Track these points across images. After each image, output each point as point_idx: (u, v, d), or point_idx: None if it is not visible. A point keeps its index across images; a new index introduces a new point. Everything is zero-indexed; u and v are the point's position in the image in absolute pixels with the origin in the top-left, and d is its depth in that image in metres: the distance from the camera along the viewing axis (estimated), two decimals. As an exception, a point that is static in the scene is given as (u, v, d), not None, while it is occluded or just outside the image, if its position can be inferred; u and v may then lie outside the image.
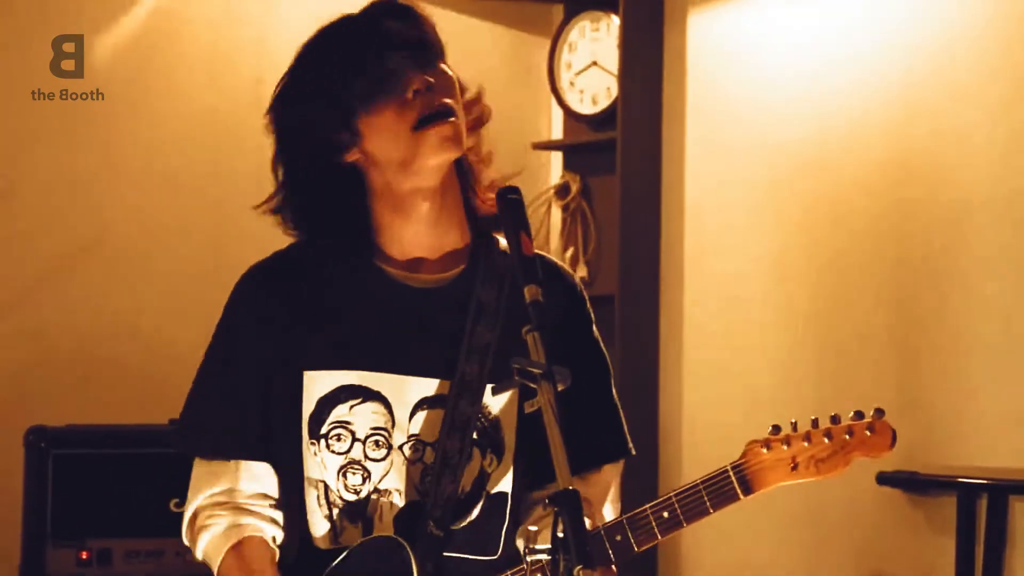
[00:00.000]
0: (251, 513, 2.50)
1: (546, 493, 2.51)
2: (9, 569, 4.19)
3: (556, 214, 5.29)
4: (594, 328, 2.60)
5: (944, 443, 4.15)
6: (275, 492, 2.51)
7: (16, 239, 4.89)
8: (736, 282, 4.77)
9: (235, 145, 5.11)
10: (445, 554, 2.43)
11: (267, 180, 5.71)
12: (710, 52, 4.90)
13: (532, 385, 2.16)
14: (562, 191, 5.26)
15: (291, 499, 2.49)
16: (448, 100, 2.43)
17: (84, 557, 4.11)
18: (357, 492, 2.46)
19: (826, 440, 2.32)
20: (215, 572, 2.50)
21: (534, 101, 5.42)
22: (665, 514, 2.35)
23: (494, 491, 2.49)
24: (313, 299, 2.49)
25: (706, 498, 2.34)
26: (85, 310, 4.92)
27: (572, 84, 5.22)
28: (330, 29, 2.52)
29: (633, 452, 2.61)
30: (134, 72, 4.98)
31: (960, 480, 4.09)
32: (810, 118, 4.56)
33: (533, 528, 2.25)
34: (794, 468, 2.33)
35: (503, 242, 2.54)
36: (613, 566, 2.38)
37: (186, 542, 2.56)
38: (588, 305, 2.60)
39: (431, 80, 2.43)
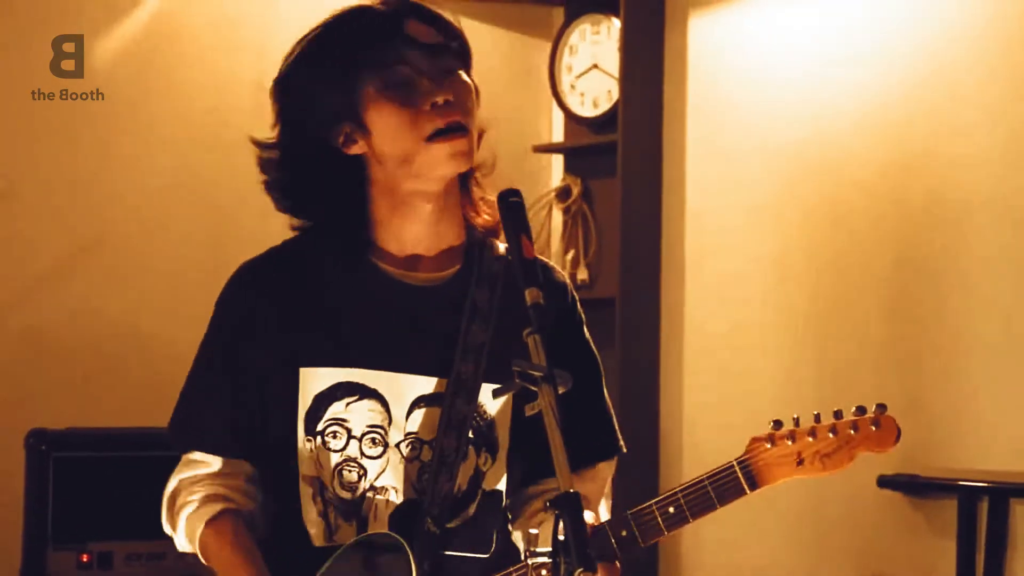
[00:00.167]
0: (228, 488, 2.50)
1: (541, 488, 2.52)
2: (10, 572, 4.18)
3: (557, 217, 5.29)
4: (585, 329, 2.60)
5: (945, 445, 4.14)
6: (252, 479, 2.51)
7: (16, 240, 4.88)
8: (736, 284, 4.77)
9: (236, 147, 5.09)
10: (448, 553, 2.43)
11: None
12: (711, 54, 4.90)
13: (533, 388, 2.16)
14: (563, 194, 5.26)
15: (285, 496, 2.48)
16: (464, 118, 2.42)
17: (85, 560, 4.11)
18: (352, 490, 2.45)
19: (831, 435, 2.32)
20: (196, 549, 2.50)
21: (535, 104, 5.42)
22: (671, 509, 2.34)
23: (489, 489, 2.50)
24: (308, 296, 2.49)
25: (712, 493, 2.33)
26: (85, 312, 4.92)
27: (573, 87, 5.22)
28: (352, 13, 2.47)
29: (624, 450, 2.61)
30: (134, 72, 4.98)
31: (961, 483, 4.09)
32: (811, 120, 4.56)
33: (534, 531, 2.25)
34: (800, 463, 2.32)
35: (499, 245, 2.54)
36: (617, 562, 2.38)
37: (167, 530, 2.56)
38: (579, 306, 2.61)
39: (450, 97, 2.41)
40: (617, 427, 2.61)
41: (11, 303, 4.88)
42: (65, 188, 4.91)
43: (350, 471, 2.46)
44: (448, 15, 2.49)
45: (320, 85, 2.45)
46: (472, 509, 2.48)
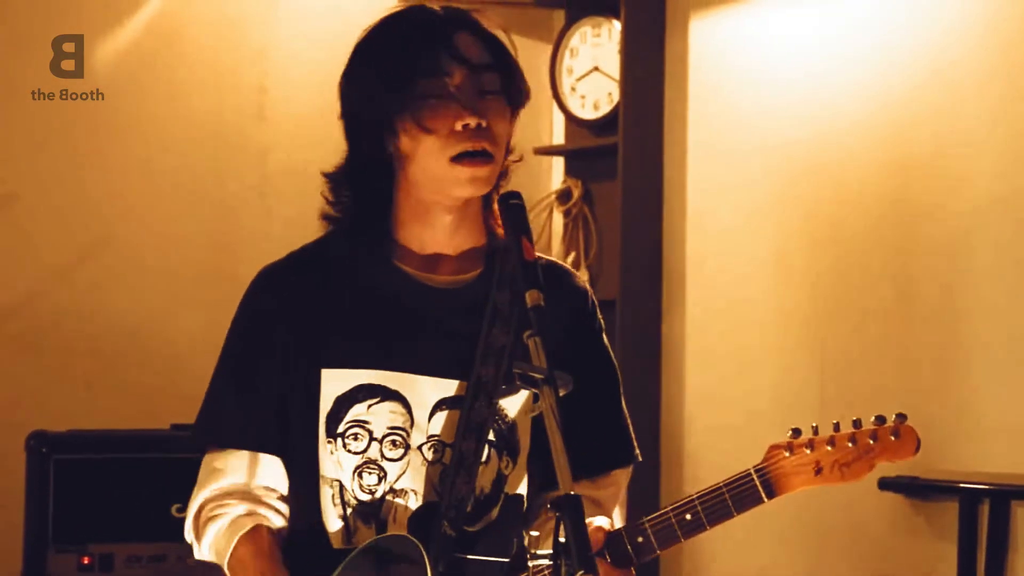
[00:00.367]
0: (259, 503, 2.49)
1: (555, 495, 2.52)
2: (11, 574, 4.18)
3: (558, 219, 5.29)
4: (604, 335, 2.60)
5: (946, 448, 4.14)
6: (283, 487, 2.51)
7: (16, 242, 4.89)
8: (737, 286, 4.77)
9: (237, 149, 5.11)
10: (468, 556, 2.42)
11: (269, 185, 5.73)
12: (712, 56, 4.90)
13: (534, 390, 2.16)
14: (564, 196, 5.26)
15: (305, 497, 2.48)
16: (491, 144, 2.42)
17: (86, 562, 4.11)
18: (372, 492, 2.45)
19: (850, 445, 2.30)
20: (224, 563, 2.48)
21: (535, 106, 5.36)
22: (688, 516, 2.33)
23: (512, 493, 2.49)
24: (329, 298, 2.49)
25: (729, 500, 2.32)
26: (86, 314, 4.92)
27: (573, 89, 5.22)
28: (407, 15, 2.48)
29: (640, 458, 2.61)
30: (134, 72, 4.98)
31: (962, 485, 4.09)
32: (812, 122, 4.56)
33: (534, 533, 2.25)
34: (818, 472, 2.31)
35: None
36: (633, 568, 2.36)
37: (189, 538, 2.54)
38: (598, 312, 2.60)
39: (482, 122, 2.40)
40: (633, 435, 2.60)
41: (11, 305, 4.88)
42: (65, 188, 4.92)
43: (370, 473, 2.45)
44: (503, 36, 2.48)
45: (365, 82, 2.47)
46: (495, 513, 2.47)
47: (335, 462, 2.45)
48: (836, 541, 4.44)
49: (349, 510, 2.46)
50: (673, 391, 4.88)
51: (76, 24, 4.89)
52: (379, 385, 2.45)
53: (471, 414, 2.43)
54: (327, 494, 2.46)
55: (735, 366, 4.75)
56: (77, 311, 4.91)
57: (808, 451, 2.31)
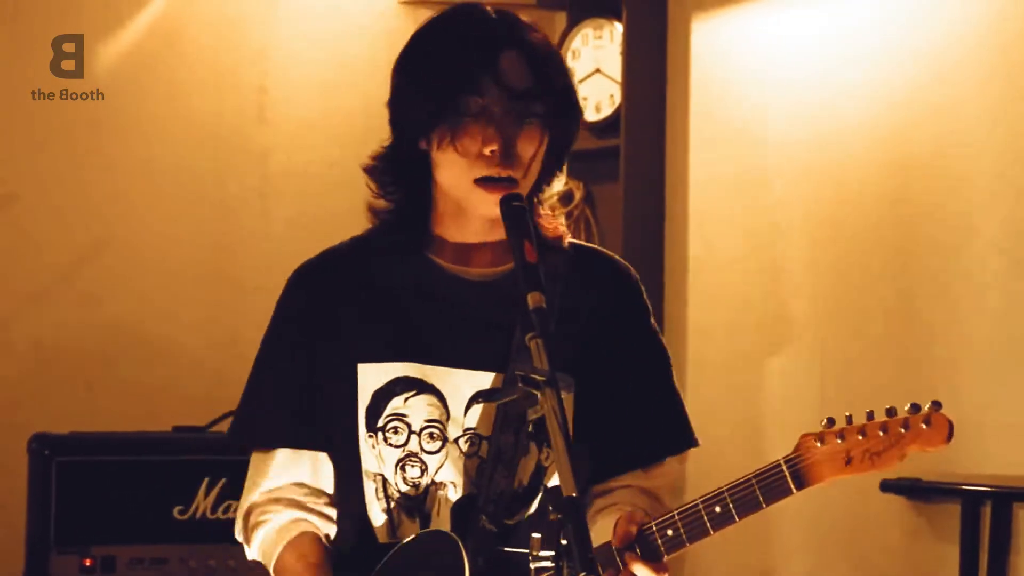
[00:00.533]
0: (306, 509, 2.50)
1: (604, 487, 2.49)
2: (13, 576, 4.20)
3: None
4: (651, 319, 2.58)
5: (948, 450, 4.12)
6: (329, 487, 2.51)
7: (17, 243, 4.89)
8: (738, 287, 4.77)
9: (237, 150, 5.11)
10: (506, 549, 2.40)
11: (269, 186, 5.71)
12: (713, 58, 4.90)
13: (535, 392, 2.15)
14: (565, 198, 5.26)
15: (349, 492, 2.48)
16: (515, 171, 2.39)
17: (88, 564, 4.11)
18: (416, 486, 2.45)
19: (881, 434, 2.26)
20: (271, 568, 2.49)
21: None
22: (717, 508, 2.31)
23: (552, 485, 2.45)
24: (364, 293, 2.49)
25: (759, 492, 2.30)
26: (87, 316, 4.92)
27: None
28: (460, 22, 2.45)
29: (698, 443, 2.57)
30: (134, 73, 4.99)
31: (964, 487, 4.09)
32: (812, 123, 4.56)
33: (536, 535, 2.25)
34: (848, 462, 2.27)
35: (562, 241, 2.53)
36: (663, 562, 2.34)
37: (239, 538, 2.55)
38: (644, 295, 2.58)
39: (512, 149, 2.38)
40: (687, 419, 2.58)
41: (13, 308, 4.88)
42: (65, 189, 4.92)
43: (412, 466, 2.45)
44: (554, 56, 2.45)
45: (409, 83, 2.44)
46: (534, 506, 2.46)
47: (377, 456, 2.45)
48: (838, 543, 4.44)
49: (393, 504, 2.46)
50: (675, 393, 4.88)
51: (76, 24, 4.89)
52: (415, 378, 2.45)
53: (507, 408, 2.41)
54: (370, 489, 2.46)
55: (736, 367, 4.75)
56: (78, 313, 4.91)
57: (839, 440, 2.27)
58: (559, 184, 5.34)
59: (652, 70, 5.01)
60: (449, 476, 2.45)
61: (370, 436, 2.46)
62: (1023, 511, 4.03)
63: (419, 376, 2.45)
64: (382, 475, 2.46)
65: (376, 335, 2.46)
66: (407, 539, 2.42)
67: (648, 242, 4.98)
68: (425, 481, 2.45)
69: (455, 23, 2.44)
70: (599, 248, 2.63)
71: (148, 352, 4.96)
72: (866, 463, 2.27)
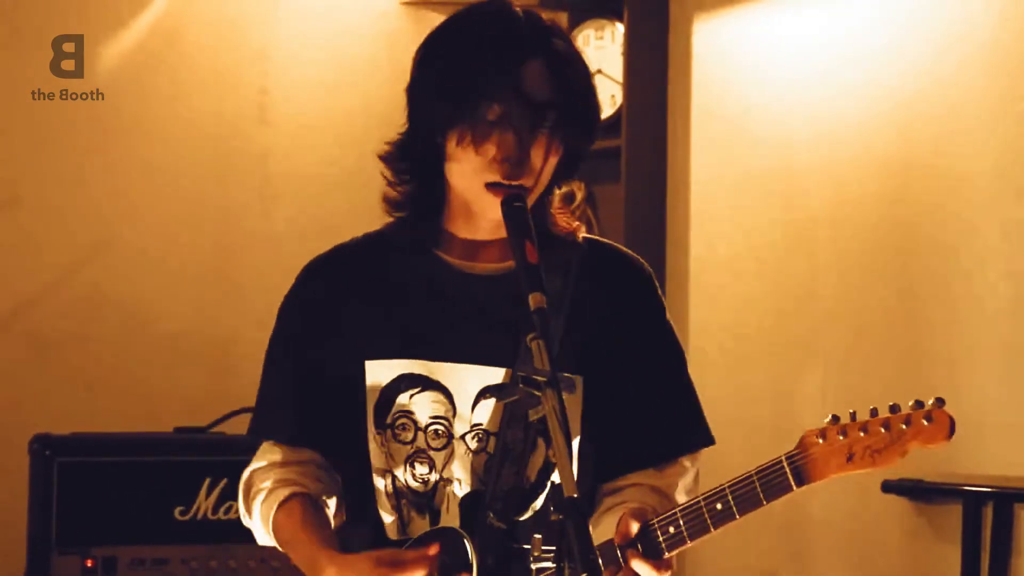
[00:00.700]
0: (296, 473, 2.50)
1: (615, 486, 2.48)
2: (14, 577, 4.20)
3: (561, 221, 5.28)
4: (666, 315, 2.57)
5: (949, 451, 4.12)
6: (323, 465, 2.51)
7: (18, 243, 4.89)
8: (740, 288, 4.77)
9: (238, 151, 5.11)
10: (515, 546, 2.39)
11: (269, 187, 5.70)
12: (715, 59, 4.90)
13: (536, 393, 2.15)
14: (567, 199, 5.24)
15: (359, 490, 2.49)
16: (526, 179, 2.39)
17: (89, 565, 4.11)
18: (425, 482, 2.45)
19: (883, 430, 2.24)
20: (271, 536, 2.50)
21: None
22: (718, 506, 2.29)
23: (559, 482, 2.47)
24: (371, 290, 2.49)
25: (759, 489, 2.27)
26: (88, 317, 4.92)
27: (577, 91, 5.22)
28: (487, 22, 2.42)
29: (714, 441, 2.54)
30: (135, 73, 4.99)
31: (965, 488, 4.09)
32: (813, 123, 4.56)
33: (538, 536, 2.24)
34: (850, 459, 2.25)
35: (576, 236, 2.53)
36: (663, 558, 2.32)
37: (245, 521, 2.56)
38: (659, 291, 2.57)
39: (522, 157, 2.37)
40: (703, 417, 2.54)
41: (13, 307, 4.88)
42: (65, 189, 4.92)
43: (421, 463, 2.46)
44: (578, 65, 2.43)
45: (428, 78, 2.42)
46: (540, 501, 2.45)
47: (385, 454, 2.46)
48: (839, 543, 4.44)
49: (403, 501, 2.46)
50: (676, 393, 4.87)
51: (76, 24, 4.89)
52: (419, 375, 2.45)
53: (515, 404, 2.39)
54: (380, 486, 2.46)
55: (737, 367, 4.75)
56: (79, 313, 4.91)
57: (841, 437, 2.25)
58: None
59: (653, 70, 5.01)
60: (457, 472, 2.45)
61: (379, 434, 2.46)
62: (1024, 511, 4.04)
63: (424, 372, 2.45)
64: (391, 472, 2.46)
65: (383, 332, 2.46)
66: (418, 536, 2.43)
67: (650, 242, 4.98)
68: (434, 478, 2.45)
69: (482, 23, 2.42)
70: (614, 243, 2.62)
71: (149, 353, 4.96)
72: (867, 460, 2.25)
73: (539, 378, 2.15)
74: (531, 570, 2.27)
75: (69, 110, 4.88)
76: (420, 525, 2.46)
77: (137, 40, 5.00)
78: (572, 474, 2.09)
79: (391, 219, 2.52)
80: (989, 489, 4.05)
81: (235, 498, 2.64)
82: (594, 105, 2.46)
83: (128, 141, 4.99)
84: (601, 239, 2.61)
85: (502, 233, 2.42)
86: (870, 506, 4.28)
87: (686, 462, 2.52)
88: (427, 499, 2.46)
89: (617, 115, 5.04)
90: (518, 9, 2.44)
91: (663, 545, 2.32)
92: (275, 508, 2.47)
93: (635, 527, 2.33)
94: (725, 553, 4.67)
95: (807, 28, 4.62)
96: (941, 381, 4.15)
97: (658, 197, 5.00)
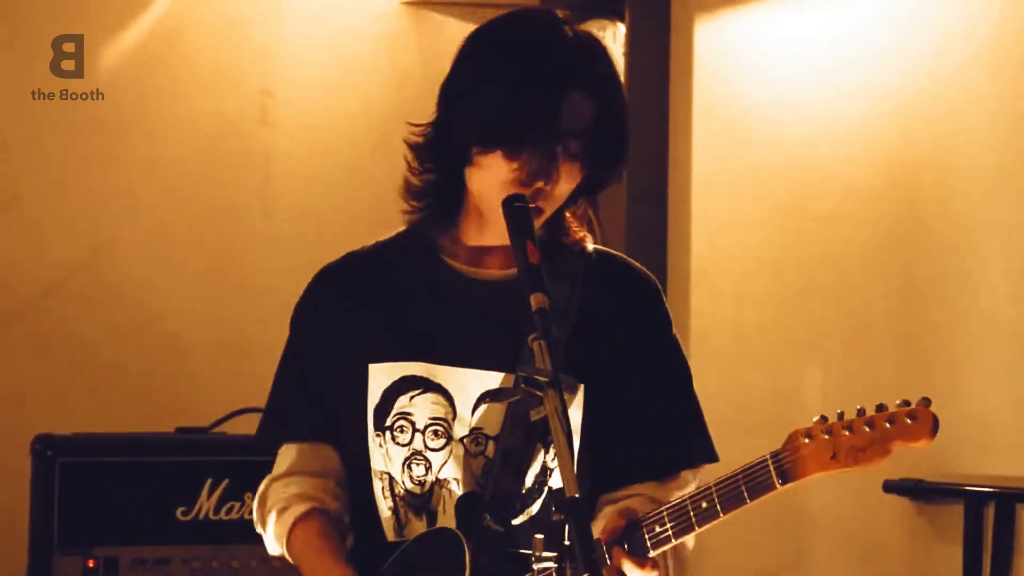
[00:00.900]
0: (315, 488, 2.51)
1: (613, 496, 2.48)
2: (15, 577, 4.20)
3: (562, 221, 5.28)
4: (671, 329, 2.58)
5: (950, 450, 4.14)
6: (339, 471, 2.52)
7: (20, 245, 4.89)
8: (740, 288, 4.77)
9: (239, 152, 5.11)
10: (510, 550, 2.40)
11: (272, 188, 5.70)
12: (716, 59, 4.90)
13: (538, 393, 2.15)
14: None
15: (358, 492, 2.50)
16: (544, 202, 2.41)
17: (91, 565, 4.11)
18: (421, 484, 2.47)
19: (867, 429, 2.23)
20: (284, 550, 2.51)
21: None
22: (703, 504, 2.30)
23: (556, 487, 2.46)
24: (378, 295, 2.51)
25: (744, 488, 2.28)
26: (90, 318, 4.92)
27: (577, 91, 5.22)
28: (533, 40, 2.42)
29: (718, 458, 2.54)
30: (135, 73, 4.99)
31: (967, 488, 4.09)
32: (814, 123, 4.56)
33: (539, 536, 2.25)
34: (833, 457, 2.24)
35: (585, 244, 2.57)
36: (648, 556, 2.34)
37: (258, 530, 2.57)
38: (665, 304, 2.59)
39: (546, 187, 2.39)
40: (707, 433, 2.55)
41: (15, 308, 4.88)
42: (66, 189, 4.92)
43: (418, 464, 2.47)
44: (618, 96, 2.43)
45: (465, 85, 2.42)
46: (537, 506, 2.46)
47: (384, 455, 2.47)
48: (840, 544, 4.44)
49: (399, 502, 2.47)
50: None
51: (76, 24, 4.89)
52: (420, 377, 2.46)
53: (517, 409, 2.40)
54: (378, 487, 2.48)
55: (738, 367, 4.75)
56: (80, 314, 4.91)
57: (826, 436, 2.25)
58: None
59: (655, 70, 5.01)
60: (453, 474, 2.46)
61: (378, 435, 2.48)
62: (1026, 511, 4.04)
63: (426, 375, 2.46)
64: (389, 474, 2.48)
65: (387, 336, 2.48)
66: (414, 537, 2.44)
67: (651, 241, 4.98)
68: (430, 479, 2.46)
69: (531, 45, 2.41)
70: (622, 255, 2.63)
71: (151, 353, 4.96)
72: (850, 458, 2.24)
73: (541, 378, 2.15)
74: (531, 570, 2.28)
75: (69, 110, 4.88)
76: (417, 526, 2.47)
77: (137, 40, 5.00)
78: (574, 474, 2.09)
79: (396, 218, 2.53)
80: (991, 489, 4.05)
81: (237, 498, 2.65)
82: (626, 139, 2.46)
83: (129, 141, 4.99)
84: (610, 250, 2.62)
85: (508, 239, 2.43)
86: (871, 506, 4.28)
87: (688, 476, 2.52)
88: (424, 500, 2.47)
89: (618, 115, 5.04)
90: (567, 28, 2.43)
91: (648, 543, 2.34)
92: (291, 524, 2.48)
93: (621, 523, 2.34)
94: (725, 553, 4.67)
95: (808, 28, 4.63)
96: (941, 381, 4.15)
97: (659, 196, 5.01)
